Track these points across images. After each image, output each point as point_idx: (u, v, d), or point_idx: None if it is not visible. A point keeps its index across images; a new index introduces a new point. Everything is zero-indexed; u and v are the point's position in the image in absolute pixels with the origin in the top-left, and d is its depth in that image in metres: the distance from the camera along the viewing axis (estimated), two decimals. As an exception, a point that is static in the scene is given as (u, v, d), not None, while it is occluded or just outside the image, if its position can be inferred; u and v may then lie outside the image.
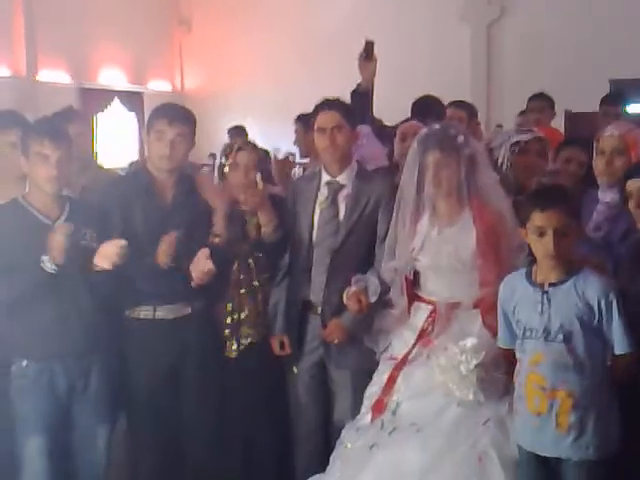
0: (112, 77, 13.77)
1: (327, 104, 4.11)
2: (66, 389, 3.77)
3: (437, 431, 3.42)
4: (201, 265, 3.88)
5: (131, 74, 14.28)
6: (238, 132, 7.77)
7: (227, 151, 4.23)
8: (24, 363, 3.73)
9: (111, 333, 3.89)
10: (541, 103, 6.49)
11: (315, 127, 4.07)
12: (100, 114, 13.08)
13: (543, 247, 3.17)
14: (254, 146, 4.27)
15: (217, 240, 3.99)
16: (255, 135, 6.14)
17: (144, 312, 3.97)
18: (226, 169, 4.21)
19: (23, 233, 3.67)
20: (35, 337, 3.69)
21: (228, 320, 4.11)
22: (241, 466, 4.10)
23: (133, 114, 13.34)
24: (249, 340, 4.11)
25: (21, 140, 3.83)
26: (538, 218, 3.16)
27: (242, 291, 4.12)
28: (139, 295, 3.94)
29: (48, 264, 3.58)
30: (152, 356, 3.94)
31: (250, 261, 4.12)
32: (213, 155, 8.80)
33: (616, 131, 3.86)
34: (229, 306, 4.12)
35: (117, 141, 12.67)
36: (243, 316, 4.12)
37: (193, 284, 3.90)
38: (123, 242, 3.66)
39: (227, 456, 4.11)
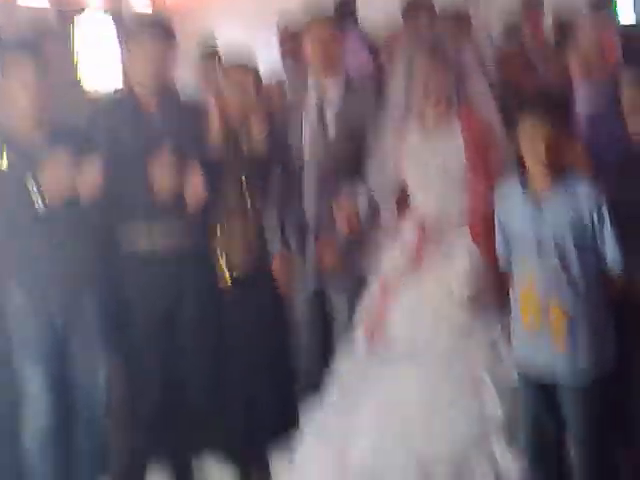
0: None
1: (320, 14, 3.98)
2: (62, 323, 3.71)
3: (431, 357, 3.37)
4: (194, 191, 3.74)
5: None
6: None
7: (225, 69, 4.05)
8: (20, 294, 3.65)
9: (107, 268, 3.80)
10: None
11: (309, 38, 3.95)
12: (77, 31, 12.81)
13: (534, 153, 3.05)
14: (251, 64, 4.04)
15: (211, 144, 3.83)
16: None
17: (141, 246, 3.83)
18: (222, 85, 3.99)
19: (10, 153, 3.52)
20: (30, 269, 3.61)
21: (219, 249, 3.96)
22: (241, 407, 4.02)
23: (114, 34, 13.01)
24: (241, 269, 3.97)
25: None
26: (529, 124, 3.04)
27: (235, 219, 3.96)
28: (136, 229, 3.81)
29: (40, 203, 3.48)
30: (149, 291, 3.84)
31: (242, 179, 3.98)
32: None
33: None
34: (221, 236, 3.97)
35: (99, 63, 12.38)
36: (235, 245, 3.98)
37: (189, 209, 3.77)
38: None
39: (226, 394, 4.02)
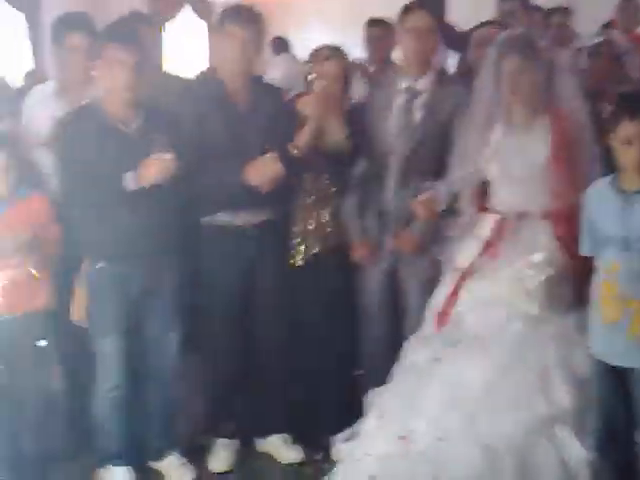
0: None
1: (418, 3, 3.98)
2: (139, 292, 3.82)
3: (501, 345, 3.37)
4: (270, 167, 3.83)
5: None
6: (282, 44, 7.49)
7: (314, 59, 4.09)
8: (99, 265, 3.78)
9: (186, 240, 3.89)
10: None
11: (405, 27, 3.95)
12: (169, 23, 12.99)
13: (630, 157, 3.08)
14: (343, 55, 4.09)
15: (295, 152, 3.90)
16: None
17: (221, 219, 3.95)
18: (311, 77, 4.04)
19: (98, 139, 3.67)
20: (110, 240, 3.72)
21: (296, 229, 4.08)
22: (307, 386, 4.11)
23: (204, 22, 13.22)
24: (315, 250, 4.08)
25: (91, 44, 3.80)
26: (626, 127, 3.07)
27: (311, 201, 4.07)
28: (216, 203, 3.92)
29: (132, 182, 3.60)
30: (227, 263, 3.94)
31: (322, 174, 4.06)
32: None
33: None
34: (298, 216, 4.08)
35: (186, 50, 12.59)
36: (311, 226, 4.08)
37: (262, 190, 3.85)
38: (168, 156, 3.61)
39: (294, 371, 4.11)
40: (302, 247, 4.07)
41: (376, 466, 3.37)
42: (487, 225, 3.65)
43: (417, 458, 3.31)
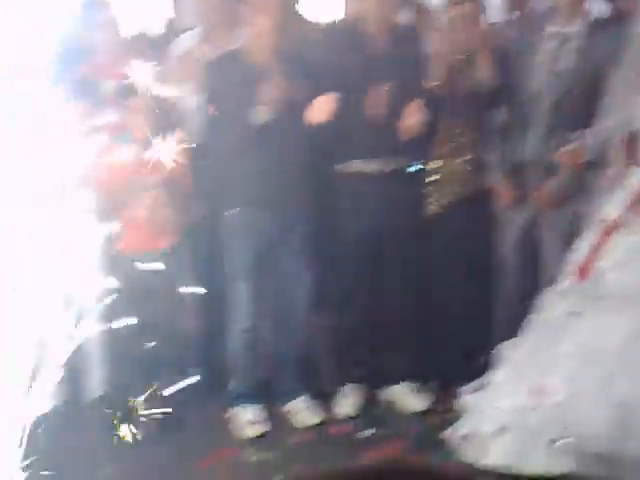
0: None
1: None
2: (273, 238, 3.85)
3: None
4: (412, 115, 3.77)
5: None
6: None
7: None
8: (235, 210, 3.83)
9: (320, 188, 3.90)
10: None
11: None
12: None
13: None
14: None
15: (433, 84, 3.82)
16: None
17: (355, 166, 3.93)
18: (450, 15, 3.96)
19: (240, 85, 3.71)
20: (246, 186, 3.77)
21: (432, 177, 4.00)
22: (437, 331, 4.07)
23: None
24: (450, 198, 3.99)
25: None
26: None
27: (448, 148, 3.98)
28: (350, 149, 3.90)
29: (256, 116, 3.63)
30: (360, 209, 3.93)
31: (460, 119, 3.95)
32: None
33: None
34: (435, 162, 4.00)
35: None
36: (446, 174, 3.99)
37: (403, 137, 3.80)
38: (333, 96, 3.60)
39: (426, 319, 4.07)
40: (436, 195, 3.99)
41: (507, 417, 3.29)
42: (636, 176, 3.47)
43: (549, 412, 3.22)
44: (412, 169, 3.97)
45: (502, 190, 3.97)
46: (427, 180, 4.01)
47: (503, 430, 3.30)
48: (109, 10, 4.19)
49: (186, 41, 4.35)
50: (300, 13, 4.65)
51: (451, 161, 3.99)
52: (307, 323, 4.00)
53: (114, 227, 3.66)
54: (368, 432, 3.86)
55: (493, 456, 3.33)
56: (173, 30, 4.65)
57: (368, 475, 0.87)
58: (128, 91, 3.75)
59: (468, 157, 3.99)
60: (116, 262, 3.59)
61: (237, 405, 3.96)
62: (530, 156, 3.89)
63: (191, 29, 4.54)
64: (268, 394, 4.02)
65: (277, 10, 3.70)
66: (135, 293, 3.61)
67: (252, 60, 3.75)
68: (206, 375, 3.94)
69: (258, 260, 3.85)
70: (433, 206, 4.02)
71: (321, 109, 3.66)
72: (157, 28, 4.79)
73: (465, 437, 3.43)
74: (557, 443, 3.17)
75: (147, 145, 3.71)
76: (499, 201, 3.97)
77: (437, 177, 4.00)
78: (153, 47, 4.43)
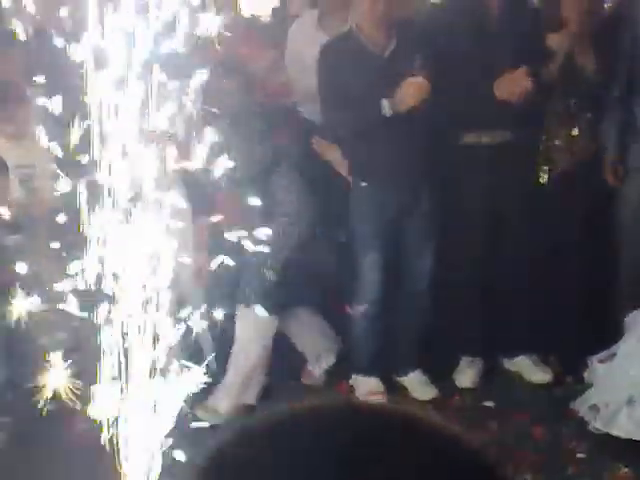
0: None
1: None
2: (397, 213, 3.94)
3: None
4: (518, 82, 3.80)
5: None
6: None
7: None
8: (360, 185, 3.93)
9: (440, 160, 3.97)
10: None
11: None
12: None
13: None
14: None
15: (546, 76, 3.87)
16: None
17: (470, 138, 3.99)
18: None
19: (355, 64, 3.78)
20: (370, 162, 3.86)
21: (540, 147, 4.05)
22: (560, 301, 4.09)
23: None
24: (560, 168, 4.02)
25: None
26: None
27: (558, 119, 4.02)
28: (466, 122, 3.95)
29: (387, 109, 3.69)
30: (476, 181, 3.98)
31: (571, 102, 4.00)
32: None
33: None
34: (545, 133, 4.04)
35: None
36: (558, 144, 4.04)
37: (513, 102, 3.83)
38: (422, 80, 3.63)
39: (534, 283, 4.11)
40: (547, 164, 4.04)
41: (636, 388, 3.33)
42: None
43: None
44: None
45: (617, 160, 3.98)
46: (539, 150, 4.05)
47: (632, 400, 3.35)
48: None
49: (301, 25, 4.44)
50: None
51: (561, 131, 4.02)
52: (427, 295, 4.06)
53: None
54: (489, 404, 3.93)
55: (621, 427, 3.39)
56: (280, 19, 4.76)
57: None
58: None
59: (579, 126, 4.01)
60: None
61: (358, 374, 4.06)
62: None
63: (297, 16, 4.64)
64: (388, 366, 4.10)
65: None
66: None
67: (363, 40, 3.81)
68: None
69: (383, 233, 3.93)
70: (543, 176, 4.07)
71: (409, 94, 3.70)
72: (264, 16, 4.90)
73: (593, 407, 3.49)
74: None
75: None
76: (611, 170, 3.99)
77: (546, 147, 4.04)
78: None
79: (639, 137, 3.97)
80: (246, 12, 4.87)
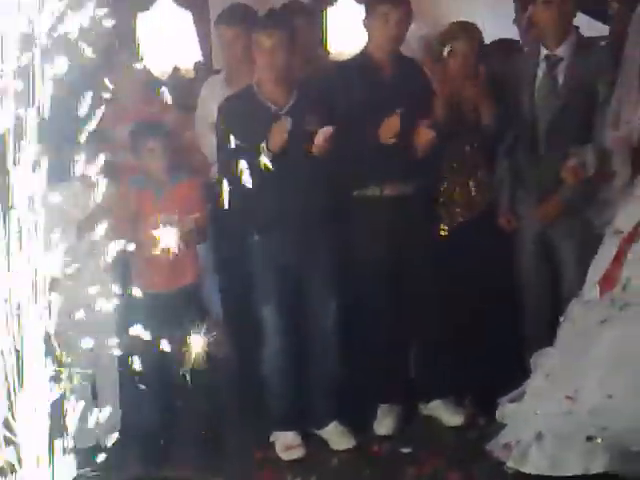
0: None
1: None
2: (297, 262, 3.99)
3: None
4: (423, 135, 3.94)
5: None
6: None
7: (445, 37, 4.18)
8: (256, 237, 3.99)
9: (337, 212, 4.05)
10: None
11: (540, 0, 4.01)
12: (330, 8, 13.21)
13: None
14: (475, 31, 4.15)
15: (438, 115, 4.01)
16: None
17: (371, 191, 4.09)
18: (444, 54, 4.15)
19: (253, 120, 3.87)
20: (268, 214, 3.92)
21: (441, 199, 4.18)
22: (469, 346, 4.17)
23: (362, 6, 13.33)
24: (460, 219, 4.16)
25: (246, 32, 4.04)
26: None
27: (456, 170, 4.16)
28: (365, 174, 4.06)
29: (265, 150, 3.76)
30: (379, 234, 4.08)
31: (467, 148, 4.15)
32: None
33: None
34: (443, 185, 4.18)
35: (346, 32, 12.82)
36: (456, 196, 4.17)
37: (419, 153, 3.96)
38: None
39: (447, 329, 4.19)
40: (447, 216, 4.17)
41: (544, 423, 3.42)
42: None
43: (584, 415, 3.35)
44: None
45: (504, 211, 4.16)
46: (438, 202, 4.18)
47: (541, 436, 3.43)
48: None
49: (212, 84, 4.54)
50: (326, 48, 4.79)
51: (458, 183, 4.16)
52: (335, 346, 4.09)
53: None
54: (406, 450, 3.97)
55: (532, 463, 3.45)
56: (202, 74, 4.83)
57: None
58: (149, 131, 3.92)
59: (474, 178, 4.16)
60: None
61: (275, 430, 4.08)
62: (535, 173, 4.08)
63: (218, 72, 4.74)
64: (302, 419, 4.11)
65: (279, 49, 3.88)
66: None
67: (261, 97, 3.93)
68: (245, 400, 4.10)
69: (284, 283, 3.98)
70: (444, 226, 4.19)
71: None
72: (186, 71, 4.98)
73: (506, 446, 3.56)
74: (593, 441, 3.29)
75: (166, 186, 3.87)
76: (501, 221, 4.17)
77: (445, 199, 4.18)
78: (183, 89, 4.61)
79: (526, 184, 4.14)
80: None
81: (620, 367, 3.34)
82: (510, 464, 3.52)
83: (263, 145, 3.76)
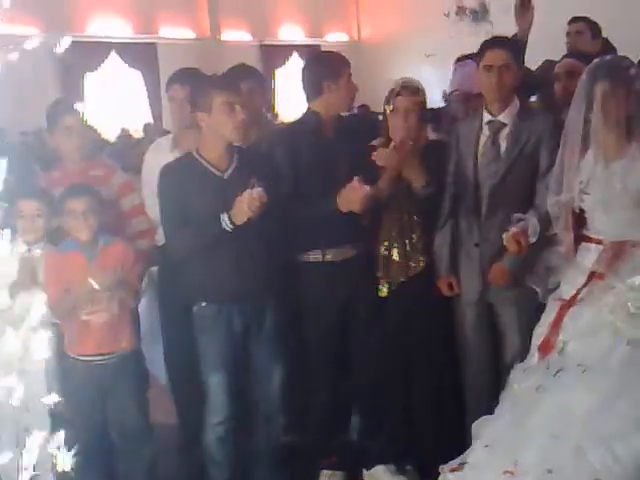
0: (290, 32, 14.18)
1: (496, 41, 4.09)
2: (242, 330, 3.96)
3: (605, 372, 3.33)
4: (357, 190, 3.89)
5: (308, 28, 14.65)
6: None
7: (389, 95, 4.18)
8: (203, 304, 3.95)
9: (283, 277, 4.04)
10: None
11: (481, 65, 4.03)
12: (279, 69, 13.47)
13: None
14: (415, 89, 4.14)
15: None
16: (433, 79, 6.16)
17: (314, 256, 4.10)
18: (387, 112, 4.16)
19: (196, 186, 3.85)
20: (211, 281, 3.89)
21: (380, 261, 4.16)
22: (411, 411, 4.16)
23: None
24: (400, 280, 4.13)
25: (194, 94, 3.97)
26: None
27: (395, 233, 4.14)
28: (308, 240, 4.07)
29: (227, 222, 3.75)
30: (323, 297, 4.09)
31: (405, 216, 4.14)
32: None
33: None
34: (382, 248, 4.17)
35: (295, 95, 12.98)
36: (394, 257, 4.15)
37: (356, 209, 3.93)
38: (257, 190, 3.71)
39: (392, 403, 4.19)
40: (386, 278, 4.15)
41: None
42: (589, 255, 3.64)
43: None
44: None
45: (444, 277, 4.15)
46: (378, 262, 4.16)
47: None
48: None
49: (157, 146, 4.55)
50: (275, 110, 4.80)
51: (397, 244, 4.14)
52: (280, 413, 4.07)
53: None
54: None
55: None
56: (151, 134, 4.82)
57: None
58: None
59: (413, 239, 4.14)
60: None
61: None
62: (477, 240, 4.09)
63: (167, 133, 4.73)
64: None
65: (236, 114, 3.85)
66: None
67: (204, 162, 3.90)
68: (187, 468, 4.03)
69: (230, 350, 3.94)
70: (384, 288, 4.17)
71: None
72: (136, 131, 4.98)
73: (446, 518, 3.51)
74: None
75: (95, 249, 3.83)
76: (441, 286, 4.15)
77: (386, 259, 4.15)
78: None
79: (465, 247, 4.14)
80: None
81: (558, 438, 3.30)
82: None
83: (224, 216, 3.74)
